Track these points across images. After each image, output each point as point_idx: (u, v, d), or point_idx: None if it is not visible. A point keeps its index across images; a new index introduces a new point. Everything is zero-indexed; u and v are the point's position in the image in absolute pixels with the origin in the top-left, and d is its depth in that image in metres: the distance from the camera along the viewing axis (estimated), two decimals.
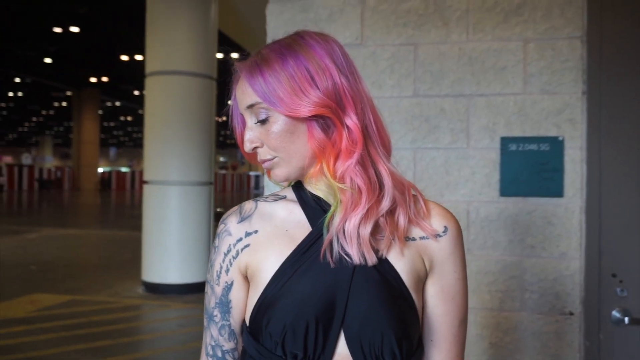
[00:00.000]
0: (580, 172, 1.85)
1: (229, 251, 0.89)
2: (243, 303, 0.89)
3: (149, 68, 6.98)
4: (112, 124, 40.56)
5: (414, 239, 0.91)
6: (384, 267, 0.87)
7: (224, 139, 43.15)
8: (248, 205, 0.94)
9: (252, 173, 45.73)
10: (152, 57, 6.97)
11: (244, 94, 0.91)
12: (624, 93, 1.82)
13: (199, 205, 7.04)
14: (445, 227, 0.95)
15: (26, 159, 42.44)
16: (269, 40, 2.05)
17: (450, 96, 1.93)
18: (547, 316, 1.88)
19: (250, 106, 0.90)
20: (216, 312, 0.90)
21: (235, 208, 0.94)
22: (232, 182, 43.14)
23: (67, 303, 6.17)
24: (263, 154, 0.91)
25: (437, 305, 0.94)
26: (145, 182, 7.04)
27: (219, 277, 0.90)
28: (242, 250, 0.89)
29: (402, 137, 1.97)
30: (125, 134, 47.62)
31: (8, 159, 41.41)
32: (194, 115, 6.91)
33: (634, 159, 1.82)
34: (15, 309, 5.84)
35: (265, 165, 0.92)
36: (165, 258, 6.88)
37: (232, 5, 7.58)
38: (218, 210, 9.05)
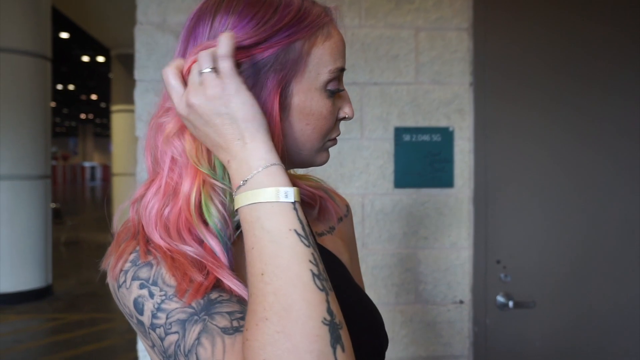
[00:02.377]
0: (469, 162, 1.88)
1: None
2: None
3: None
4: None
5: (333, 228, 0.86)
6: (339, 262, 0.82)
7: (54, 126, 39.28)
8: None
9: (86, 164, 42.10)
10: None
11: (344, 52, 0.72)
12: (508, 84, 1.88)
13: (33, 202, 6.21)
14: (347, 206, 0.93)
15: None
16: (139, 13, 1.78)
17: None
18: (440, 306, 1.89)
19: (343, 70, 0.72)
20: (216, 293, 0.60)
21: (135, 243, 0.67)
22: (64, 174, 39.46)
23: None
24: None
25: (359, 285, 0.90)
26: None
27: None
28: None
29: None
30: None
31: None
32: (25, 99, 6.06)
33: (517, 149, 1.89)
34: None
35: (334, 141, 0.76)
36: None
37: None
38: (53, 206, 8.13)
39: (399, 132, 1.85)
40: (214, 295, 0.59)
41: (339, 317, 0.53)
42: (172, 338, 0.57)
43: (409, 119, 1.86)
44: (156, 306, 0.59)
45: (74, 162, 42.59)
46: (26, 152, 6.10)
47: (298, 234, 0.55)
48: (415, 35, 1.86)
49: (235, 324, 0.57)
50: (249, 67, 0.63)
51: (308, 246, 0.55)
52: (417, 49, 1.86)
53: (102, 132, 40.14)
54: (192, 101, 0.59)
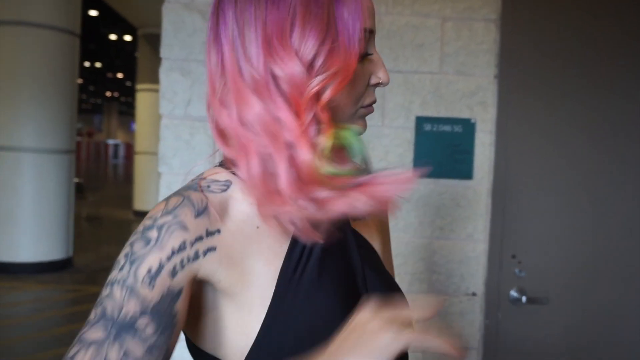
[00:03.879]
0: (489, 155, 1.87)
1: (182, 249, 0.63)
2: (182, 323, 0.65)
3: None
4: None
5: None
6: (370, 248, 0.81)
7: (80, 103, 39.85)
8: (195, 195, 0.67)
9: (110, 141, 42.69)
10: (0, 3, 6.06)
11: (373, 14, 0.69)
12: (532, 79, 1.86)
13: (57, 176, 6.32)
14: None
15: None
16: None
17: None
18: (453, 297, 1.89)
19: (373, 32, 0.69)
20: (145, 322, 0.60)
21: (176, 199, 0.66)
22: (87, 150, 40.07)
23: None
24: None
25: (390, 270, 0.91)
26: None
27: (154, 277, 0.61)
28: (205, 253, 0.64)
29: None
30: None
31: None
32: (53, 74, 6.15)
33: (538, 145, 1.87)
34: None
35: (369, 109, 0.73)
36: (17, 234, 6.12)
37: None
38: (76, 181, 8.27)
39: (420, 121, 1.84)
40: (141, 323, 0.60)
41: None
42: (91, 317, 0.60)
43: (430, 109, 1.85)
44: (111, 280, 0.61)
45: (98, 139, 43.20)
46: (51, 127, 6.21)
47: None
48: (442, 25, 1.84)
49: None
50: None
51: None
52: (442, 39, 1.84)
53: (127, 111, 40.59)
54: None
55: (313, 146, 0.62)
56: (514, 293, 1.88)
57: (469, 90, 1.85)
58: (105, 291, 0.61)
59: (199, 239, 0.64)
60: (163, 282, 0.62)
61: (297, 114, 0.62)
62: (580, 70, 1.86)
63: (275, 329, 0.65)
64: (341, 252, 0.73)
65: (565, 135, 1.87)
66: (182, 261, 0.62)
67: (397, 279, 1.84)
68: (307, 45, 0.62)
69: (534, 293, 1.88)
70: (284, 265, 0.67)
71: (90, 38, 15.96)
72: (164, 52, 1.79)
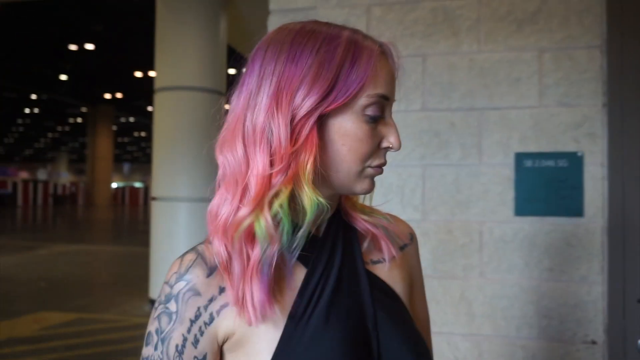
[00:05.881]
0: (601, 189, 1.73)
1: (197, 317, 0.70)
2: None
3: (158, 84, 6.96)
4: (126, 139, 40.91)
5: (384, 259, 0.85)
6: (389, 290, 0.81)
7: None
8: (208, 251, 0.74)
9: None
10: (161, 72, 6.95)
11: (390, 82, 0.75)
12: None
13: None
14: (411, 234, 0.92)
15: (42, 175, 42.94)
16: None
17: (461, 110, 1.83)
18: (568, 345, 1.74)
19: (388, 98, 0.74)
20: None
21: (190, 256, 0.74)
22: None
23: (73, 322, 6.07)
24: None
25: (420, 313, 0.91)
26: (154, 199, 6.97)
27: (181, 352, 0.70)
28: (218, 312, 0.71)
29: (410, 153, 1.86)
30: (139, 150, 47.96)
31: (24, 175, 41.74)
32: (203, 131, 6.85)
33: None
34: (20, 327, 5.76)
35: (377, 170, 0.76)
36: None
37: (241, 20, 7.57)
38: None
39: (520, 157, 1.77)
40: None
41: None
42: None
43: (531, 144, 1.77)
44: (149, 357, 0.71)
45: None
46: (201, 178, 6.87)
47: None
48: (539, 57, 1.78)
49: None
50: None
51: None
52: (540, 71, 1.77)
53: None
54: None
55: (260, 204, 0.68)
56: None
57: (574, 121, 1.75)
58: None
59: (211, 300, 0.71)
60: (189, 353, 0.70)
61: (272, 163, 0.68)
62: None
63: None
64: (352, 293, 0.74)
65: None
66: (200, 328, 0.70)
67: (504, 323, 1.77)
68: (305, 104, 0.68)
69: None
70: (295, 304, 0.71)
71: None
72: None
